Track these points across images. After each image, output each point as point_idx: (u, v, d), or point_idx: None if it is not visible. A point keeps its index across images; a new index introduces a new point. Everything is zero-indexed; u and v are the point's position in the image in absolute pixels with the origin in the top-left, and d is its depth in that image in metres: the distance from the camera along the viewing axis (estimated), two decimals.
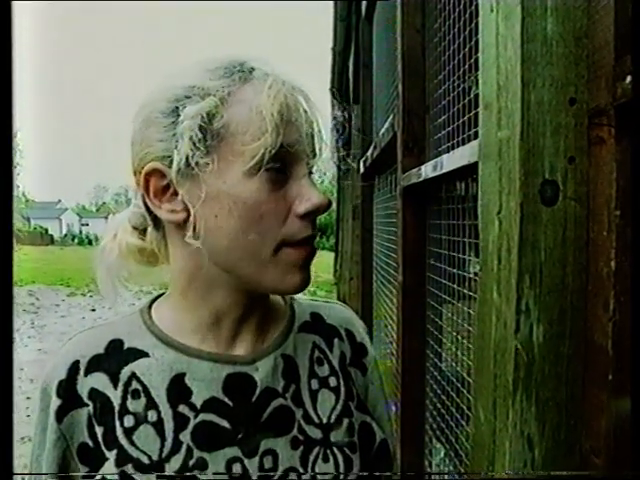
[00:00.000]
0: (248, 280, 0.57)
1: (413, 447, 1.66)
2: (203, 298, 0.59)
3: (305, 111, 0.56)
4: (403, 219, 1.64)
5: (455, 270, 1.27)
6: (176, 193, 0.56)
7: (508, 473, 0.63)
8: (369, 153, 2.78)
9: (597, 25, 0.60)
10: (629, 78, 0.54)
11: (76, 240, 40.40)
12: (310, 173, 0.58)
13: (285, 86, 0.55)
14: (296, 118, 0.55)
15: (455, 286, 1.27)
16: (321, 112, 0.58)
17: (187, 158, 0.54)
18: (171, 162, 0.55)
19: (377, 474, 0.64)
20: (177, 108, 0.55)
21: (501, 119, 0.68)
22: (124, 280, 0.64)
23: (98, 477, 0.55)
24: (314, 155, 0.57)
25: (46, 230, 40.86)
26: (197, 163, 0.54)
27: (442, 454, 1.51)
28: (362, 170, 3.19)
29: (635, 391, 0.55)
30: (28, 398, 4.04)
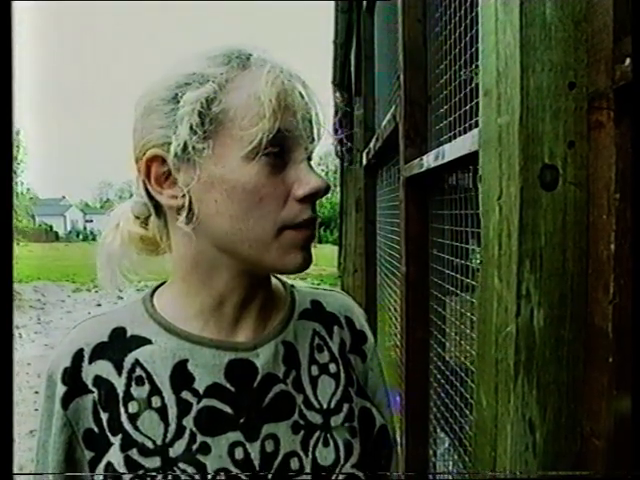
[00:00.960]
0: (250, 261, 0.57)
1: (417, 437, 1.67)
2: (204, 283, 0.60)
3: (302, 97, 0.56)
4: (406, 210, 1.64)
5: (458, 260, 1.27)
6: (177, 179, 0.56)
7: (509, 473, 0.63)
8: (371, 145, 2.78)
9: (596, 8, 0.60)
10: (628, 61, 0.54)
11: (80, 236, 40.53)
12: (309, 158, 0.58)
13: (283, 72, 0.55)
14: (293, 104, 0.55)
15: (458, 276, 1.27)
16: (319, 98, 0.58)
17: (185, 143, 0.54)
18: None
19: (381, 473, 0.65)
20: (177, 95, 0.55)
21: (501, 105, 0.68)
22: (125, 270, 0.64)
23: (98, 476, 0.56)
24: (312, 140, 0.58)
25: (51, 227, 40.99)
26: (195, 148, 0.54)
27: (446, 444, 1.52)
28: (365, 162, 3.19)
29: (635, 374, 0.55)
30: (36, 392, 4.06)
